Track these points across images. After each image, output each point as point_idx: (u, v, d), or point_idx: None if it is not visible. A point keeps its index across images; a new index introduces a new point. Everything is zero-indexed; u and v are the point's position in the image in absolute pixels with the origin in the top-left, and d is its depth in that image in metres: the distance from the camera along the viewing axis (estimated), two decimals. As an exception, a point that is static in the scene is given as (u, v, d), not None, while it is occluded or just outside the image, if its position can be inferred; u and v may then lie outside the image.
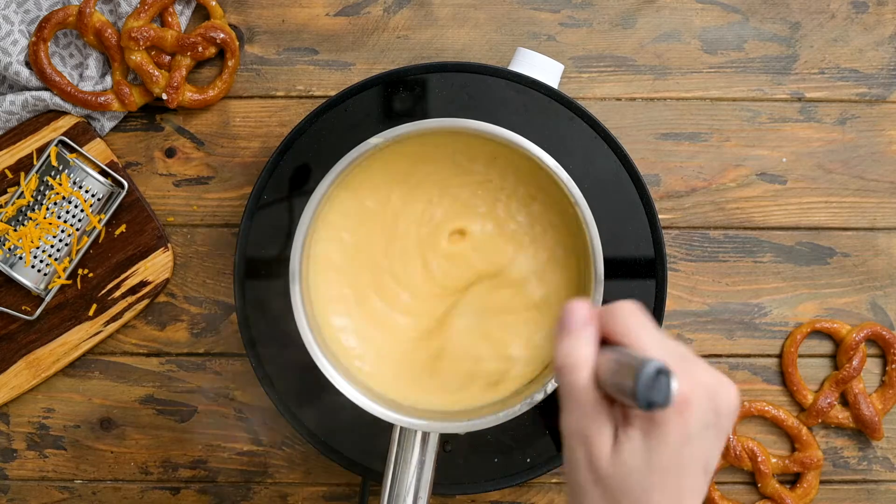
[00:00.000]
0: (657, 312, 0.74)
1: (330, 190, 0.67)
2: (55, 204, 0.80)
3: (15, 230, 0.79)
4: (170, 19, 0.82)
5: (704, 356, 0.84)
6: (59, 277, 0.81)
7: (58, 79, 0.80)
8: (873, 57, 0.85)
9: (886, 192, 0.85)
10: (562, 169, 0.65)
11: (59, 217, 0.80)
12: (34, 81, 0.81)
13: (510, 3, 0.84)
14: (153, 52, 0.81)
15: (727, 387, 0.47)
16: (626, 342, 0.47)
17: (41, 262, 0.80)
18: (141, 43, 0.80)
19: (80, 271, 0.82)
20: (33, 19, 0.81)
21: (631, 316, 0.48)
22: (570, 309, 0.50)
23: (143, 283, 0.82)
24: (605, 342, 0.49)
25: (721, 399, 0.46)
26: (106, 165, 0.82)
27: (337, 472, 0.84)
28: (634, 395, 0.43)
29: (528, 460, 0.74)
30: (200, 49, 0.81)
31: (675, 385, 0.43)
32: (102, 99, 0.81)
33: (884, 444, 0.85)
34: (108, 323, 0.82)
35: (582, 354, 0.48)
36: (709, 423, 0.46)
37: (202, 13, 0.84)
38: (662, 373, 0.43)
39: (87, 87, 0.82)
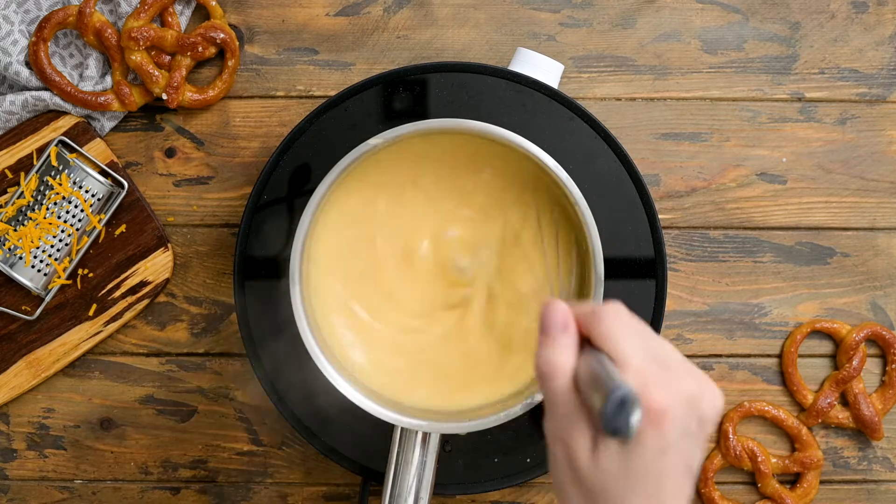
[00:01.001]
0: (657, 312, 0.74)
1: (330, 190, 0.67)
2: (55, 204, 0.80)
3: (15, 230, 0.79)
4: (170, 19, 0.82)
5: (704, 356, 0.84)
6: (59, 277, 0.81)
7: (58, 79, 0.80)
8: (873, 57, 0.85)
9: (886, 192, 0.85)
10: (562, 169, 0.65)
11: (59, 217, 0.80)
12: (34, 81, 0.81)
13: (510, 3, 0.84)
14: (153, 52, 0.81)
15: (710, 391, 0.47)
16: (605, 349, 0.47)
17: (41, 262, 0.80)
18: (141, 43, 0.80)
19: (80, 271, 0.82)
20: (33, 19, 0.81)
21: (613, 320, 0.48)
22: (548, 312, 0.49)
23: (143, 283, 0.82)
24: (590, 342, 0.49)
25: (704, 406, 0.46)
26: (106, 165, 0.82)
27: (337, 472, 0.84)
28: (601, 419, 0.43)
29: (528, 460, 0.74)
30: (200, 49, 0.81)
31: (635, 419, 0.42)
32: (102, 99, 0.81)
33: (884, 444, 0.85)
34: (108, 323, 0.82)
35: (560, 362, 0.48)
36: (689, 431, 0.46)
37: (202, 13, 0.84)
38: (627, 402, 0.42)
39: (87, 87, 0.82)
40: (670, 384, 0.45)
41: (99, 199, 0.81)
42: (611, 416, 0.42)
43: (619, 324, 0.48)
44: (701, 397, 0.46)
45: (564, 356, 0.48)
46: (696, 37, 0.84)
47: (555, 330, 0.49)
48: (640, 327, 0.48)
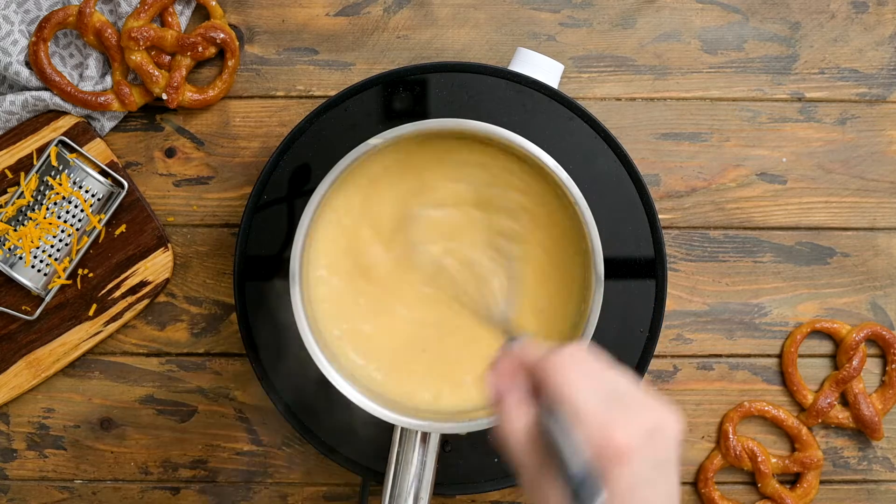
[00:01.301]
0: (657, 312, 0.74)
1: (330, 190, 0.67)
2: (55, 204, 0.80)
3: (15, 230, 0.79)
4: (170, 19, 0.82)
5: (704, 356, 0.84)
6: (59, 277, 0.81)
7: (58, 79, 0.80)
8: (873, 57, 0.85)
9: (886, 192, 0.85)
10: (562, 169, 0.65)
11: (59, 217, 0.80)
12: (34, 81, 0.81)
13: (510, 3, 0.84)
14: (153, 52, 0.81)
15: (669, 418, 0.47)
16: (558, 403, 0.47)
17: (41, 262, 0.80)
18: (141, 43, 0.80)
19: (80, 271, 0.82)
20: (33, 19, 0.81)
21: (563, 370, 0.47)
22: (488, 380, 0.50)
23: (143, 283, 0.82)
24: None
25: (665, 433, 0.47)
26: (106, 165, 0.82)
27: (337, 472, 0.84)
28: (566, 493, 0.44)
29: (529, 460, 0.74)
30: (200, 49, 0.81)
31: (603, 498, 0.43)
32: (102, 99, 0.81)
33: (884, 444, 0.85)
34: (108, 323, 0.82)
35: (510, 426, 0.48)
36: (658, 461, 0.46)
37: (202, 13, 0.84)
38: (591, 480, 0.43)
39: (87, 87, 0.82)
40: (629, 422, 0.46)
41: (99, 199, 0.81)
42: (578, 490, 0.43)
43: (570, 373, 0.47)
44: (661, 426, 0.46)
45: (514, 421, 0.48)
46: (696, 37, 0.84)
47: (498, 395, 0.49)
48: (593, 368, 0.48)
